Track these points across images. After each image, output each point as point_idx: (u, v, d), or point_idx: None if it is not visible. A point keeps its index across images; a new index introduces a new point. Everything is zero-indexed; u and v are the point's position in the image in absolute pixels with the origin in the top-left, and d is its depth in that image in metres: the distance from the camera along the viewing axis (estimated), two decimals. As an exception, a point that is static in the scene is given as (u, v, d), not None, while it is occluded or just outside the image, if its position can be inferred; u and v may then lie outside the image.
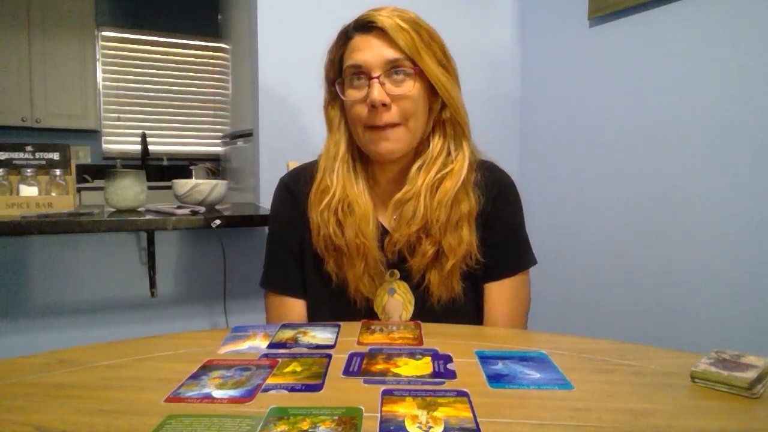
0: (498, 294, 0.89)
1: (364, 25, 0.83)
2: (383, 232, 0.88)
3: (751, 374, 0.57)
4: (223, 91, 3.05)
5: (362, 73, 0.82)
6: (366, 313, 0.87)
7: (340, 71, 0.87)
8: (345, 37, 0.86)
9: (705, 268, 1.41)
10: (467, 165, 0.86)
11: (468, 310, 0.89)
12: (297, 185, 0.93)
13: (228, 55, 2.52)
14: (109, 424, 0.50)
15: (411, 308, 0.87)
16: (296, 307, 0.92)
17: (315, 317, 0.91)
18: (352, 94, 0.84)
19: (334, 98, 0.90)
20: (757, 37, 1.29)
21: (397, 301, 0.88)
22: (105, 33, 3.77)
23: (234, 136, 2.33)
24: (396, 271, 0.88)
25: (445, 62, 0.85)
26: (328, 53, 0.89)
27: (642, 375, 0.63)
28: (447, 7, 1.91)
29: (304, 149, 1.63)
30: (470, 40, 1.97)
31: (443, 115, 0.87)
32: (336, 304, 0.88)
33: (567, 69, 1.87)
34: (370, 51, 0.81)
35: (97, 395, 0.57)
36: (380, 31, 0.81)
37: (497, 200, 0.90)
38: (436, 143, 0.87)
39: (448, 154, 0.87)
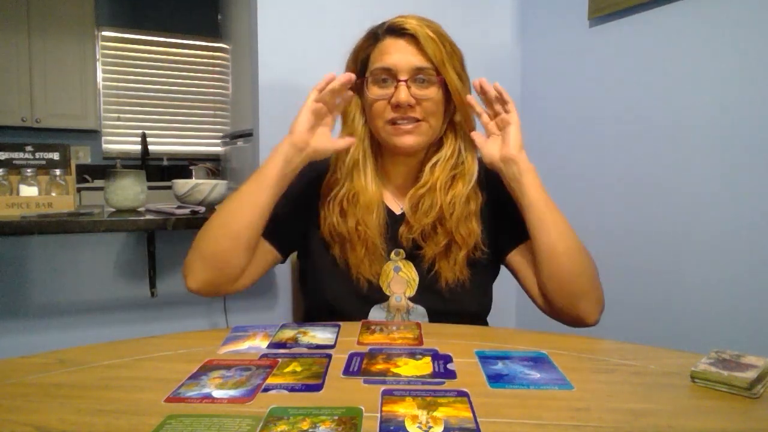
0: (523, 255, 0.94)
1: (397, 30, 0.88)
2: (395, 221, 0.94)
3: (751, 374, 0.57)
4: (223, 91, 3.05)
5: (390, 74, 0.88)
6: (368, 292, 0.91)
7: (363, 68, 0.92)
8: (374, 37, 0.91)
9: (705, 267, 1.41)
10: (476, 167, 0.94)
11: (472, 292, 0.92)
12: (315, 165, 0.95)
13: (228, 55, 2.52)
14: (109, 424, 0.50)
15: (415, 286, 0.92)
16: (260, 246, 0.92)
17: (322, 297, 0.94)
18: (377, 92, 0.89)
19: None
20: (757, 37, 1.29)
21: (401, 278, 0.92)
22: (105, 33, 3.77)
23: (234, 136, 2.32)
24: (401, 251, 0.93)
25: (462, 73, 0.92)
26: (354, 50, 0.94)
27: (642, 375, 0.63)
28: (447, 7, 1.91)
29: (304, 149, 1.63)
30: (470, 39, 1.95)
31: (455, 119, 0.94)
32: (341, 285, 0.92)
33: (567, 69, 1.87)
34: (400, 55, 0.87)
35: (97, 395, 0.57)
36: (411, 38, 0.87)
37: (493, 186, 0.95)
38: (448, 144, 0.94)
39: (459, 154, 0.94)
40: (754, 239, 1.30)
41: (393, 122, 0.88)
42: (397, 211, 0.96)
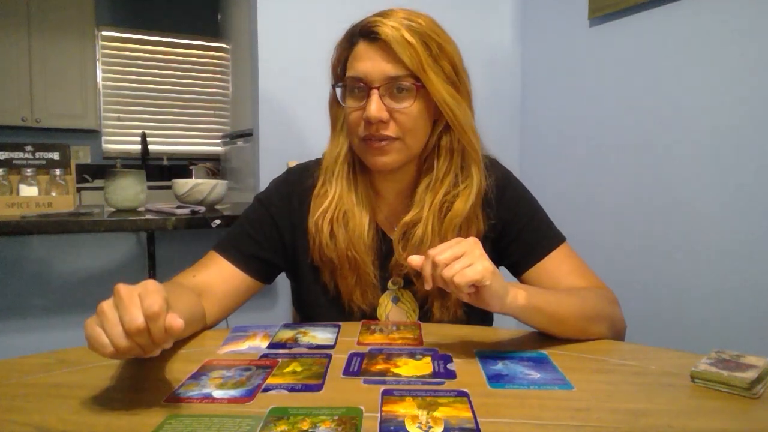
0: (540, 274, 0.86)
1: (369, 34, 0.78)
2: (390, 246, 0.87)
3: (751, 374, 0.57)
4: (223, 91, 3.05)
5: (362, 83, 0.79)
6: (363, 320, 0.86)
7: (344, 72, 0.84)
8: (351, 40, 0.82)
9: (705, 268, 1.41)
10: (476, 191, 0.83)
11: (473, 321, 0.86)
12: (298, 186, 0.91)
13: (228, 55, 2.52)
14: (109, 424, 0.50)
15: (415, 317, 0.86)
16: (224, 269, 0.85)
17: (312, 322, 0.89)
18: (351, 104, 0.81)
19: (337, 97, 0.87)
20: (757, 37, 1.29)
21: (400, 309, 0.87)
22: (105, 33, 3.77)
23: (234, 136, 2.33)
24: (399, 279, 0.87)
25: (455, 79, 0.81)
26: (335, 51, 0.86)
27: (642, 375, 0.63)
28: (447, 7, 1.91)
29: (304, 149, 1.63)
30: (470, 40, 1.95)
31: (448, 138, 0.83)
32: (334, 314, 0.87)
33: (567, 69, 1.87)
34: (372, 63, 0.78)
35: (97, 395, 0.57)
36: (384, 44, 0.77)
37: (502, 204, 0.88)
38: (440, 166, 0.83)
39: (456, 176, 0.84)
40: (754, 240, 1.30)
41: (366, 139, 0.79)
42: (391, 234, 0.88)
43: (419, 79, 0.77)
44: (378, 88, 0.77)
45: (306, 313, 0.92)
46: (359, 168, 0.87)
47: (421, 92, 0.78)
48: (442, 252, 0.64)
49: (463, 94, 0.82)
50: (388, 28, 0.76)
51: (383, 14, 0.79)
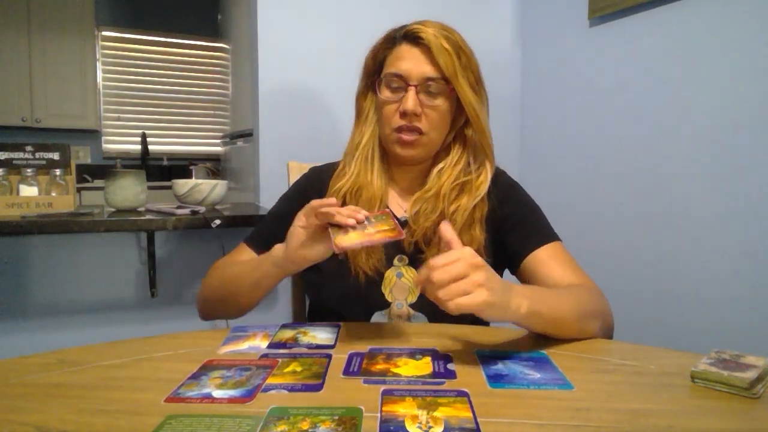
0: (534, 264, 0.91)
1: (413, 38, 0.89)
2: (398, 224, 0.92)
3: (751, 374, 0.57)
4: (223, 91, 3.05)
5: (401, 80, 0.89)
6: (368, 289, 0.89)
7: (379, 68, 0.94)
8: (392, 41, 0.92)
9: (705, 268, 1.41)
10: (487, 184, 0.92)
11: None
12: (318, 183, 0.99)
13: (228, 55, 2.53)
14: (109, 424, 0.50)
15: (417, 292, 0.91)
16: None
17: (323, 299, 0.94)
18: (388, 95, 0.91)
19: (367, 90, 0.97)
20: (757, 37, 1.29)
21: (404, 284, 0.91)
22: (105, 33, 3.77)
23: (234, 136, 2.33)
24: (404, 257, 0.92)
25: (477, 87, 0.92)
26: (372, 49, 0.95)
27: (642, 375, 0.63)
28: (447, 8, 1.91)
29: (304, 149, 1.63)
30: (470, 40, 1.95)
31: (466, 132, 0.95)
32: (340, 280, 0.90)
33: (567, 69, 1.87)
34: (413, 63, 0.88)
35: (97, 395, 0.57)
36: (426, 48, 0.88)
37: (505, 201, 0.95)
38: (456, 151, 0.95)
39: (468, 164, 0.94)
40: (754, 240, 1.30)
41: (399, 131, 0.90)
42: (400, 214, 0.95)
43: (449, 82, 0.88)
44: (416, 86, 0.88)
45: (315, 285, 0.96)
46: (378, 156, 0.96)
47: (450, 95, 0.89)
48: (442, 270, 0.62)
49: (483, 99, 0.94)
50: (430, 35, 0.87)
51: (422, 23, 0.90)
